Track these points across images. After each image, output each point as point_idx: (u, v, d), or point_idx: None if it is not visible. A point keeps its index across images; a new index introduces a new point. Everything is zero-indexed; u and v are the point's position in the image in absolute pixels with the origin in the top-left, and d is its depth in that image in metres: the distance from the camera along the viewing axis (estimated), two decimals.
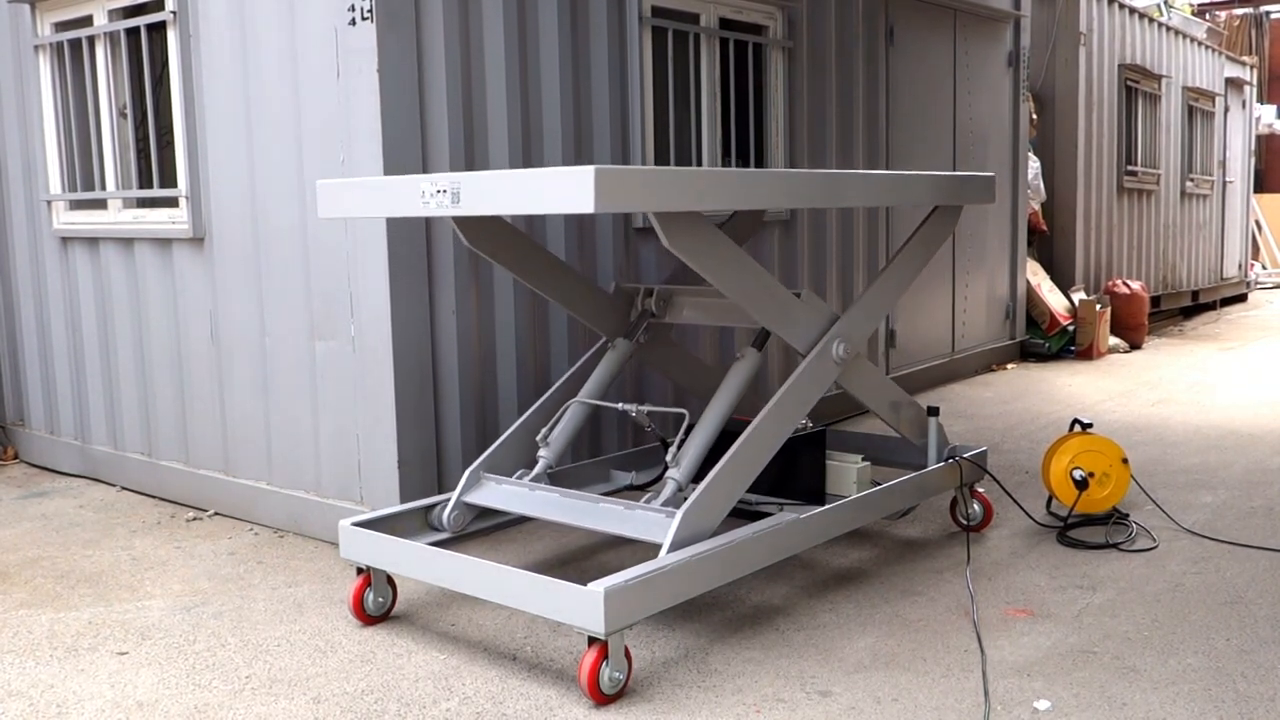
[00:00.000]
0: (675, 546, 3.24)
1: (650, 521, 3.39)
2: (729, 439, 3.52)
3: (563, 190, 2.79)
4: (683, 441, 3.61)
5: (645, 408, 3.76)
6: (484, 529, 3.99)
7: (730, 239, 3.43)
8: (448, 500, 3.83)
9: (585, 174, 2.73)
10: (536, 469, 3.89)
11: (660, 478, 3.95)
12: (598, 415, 5.03)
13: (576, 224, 4.89)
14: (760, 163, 6.06)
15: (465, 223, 3.63)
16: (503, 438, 3.95)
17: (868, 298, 3.94)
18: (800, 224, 6.32)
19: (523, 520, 4.10)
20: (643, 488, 4.14)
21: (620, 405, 3.79)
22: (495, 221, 3.74)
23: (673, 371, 4.42)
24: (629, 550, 4.29)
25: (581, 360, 4.16)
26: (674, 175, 2.98)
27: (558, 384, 4.10)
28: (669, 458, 3.58)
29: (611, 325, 4.17)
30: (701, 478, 3.48)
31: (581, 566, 4.14)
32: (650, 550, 4.22)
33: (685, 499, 3.38)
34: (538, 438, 3.93)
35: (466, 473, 3.85)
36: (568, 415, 3.97)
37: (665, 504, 3.47)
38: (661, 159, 5.53)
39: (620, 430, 5.17)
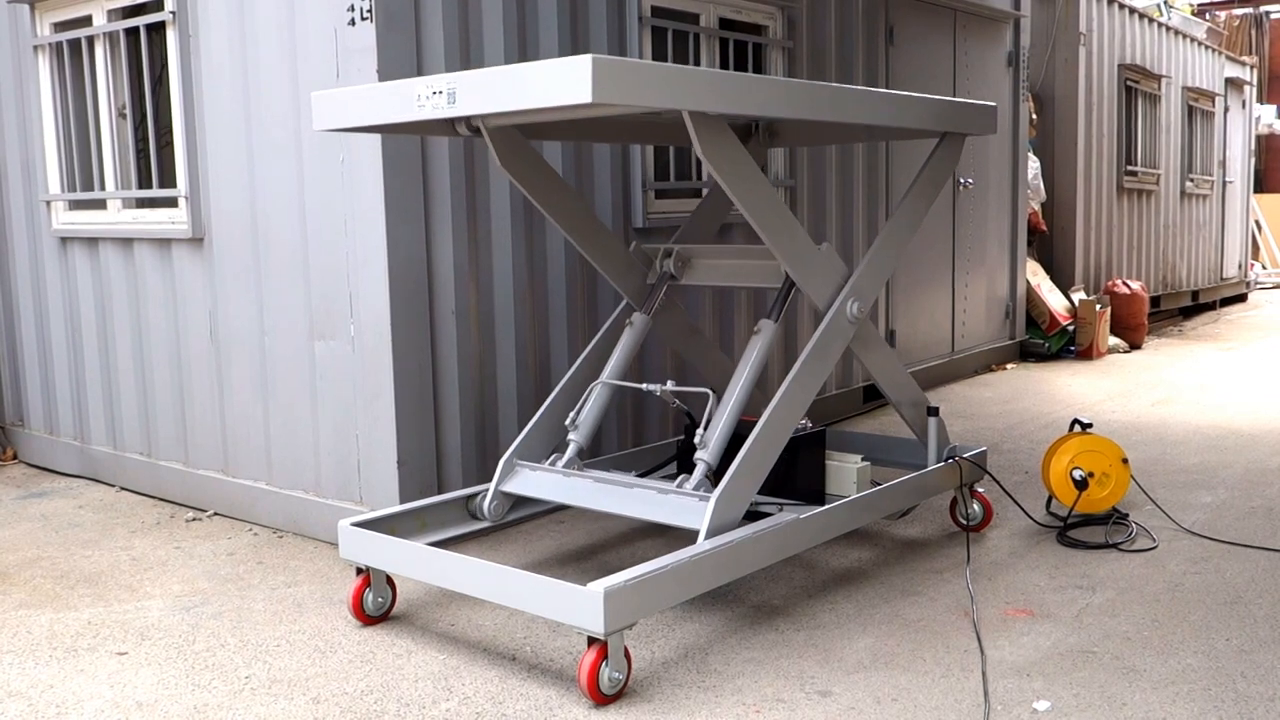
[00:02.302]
0: (712, 533, 3.30)
1: (686, 508, 3.43)
2: (738, 441, 3.54)
3: (559, 81, 2.78)
4: (709, 422, 3.63)
5: (670, 387, 3.76)
6: (519, 519, 4.08)
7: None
8: (486, 490, 3.91)
9: (582, 62, 2.73)
10: (568, 453, 3.91)
11: (673, 461, 3.99)
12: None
13: None
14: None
15: (499, 143, 3.62)
16: (531, 423, 3.98)
17: (876, 250, 3.95)
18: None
19: (561, 508, 4.22)
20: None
21: (645, 386, 3.81)
22: (527, 149, 3.74)
23: (681, 344, 4.43)
24: (629, 549, 4.29)
25: (599, 335, 4.16)
26: (673, 71, 2.96)
27: (577, 363, 4.11)
28: (697, 440, 3.60)
29: (632, 286, 4.18)
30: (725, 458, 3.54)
31: (582, 566, 4.14)
32: (647, 549, 4.23)
33: (715, 480, 3.45)
34: (566, 421, 3.96)
35: (502, 461, 3.91)
36: (594, 396, 3.98)
37: (697, 487, 3.50)
38: (661, 158, 5.53)
39: (619, 430, 5.17)
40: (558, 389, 4.05)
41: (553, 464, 3.88)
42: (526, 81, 2.86)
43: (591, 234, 4.02)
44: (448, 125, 3.66)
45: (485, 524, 3.96)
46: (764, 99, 3.23)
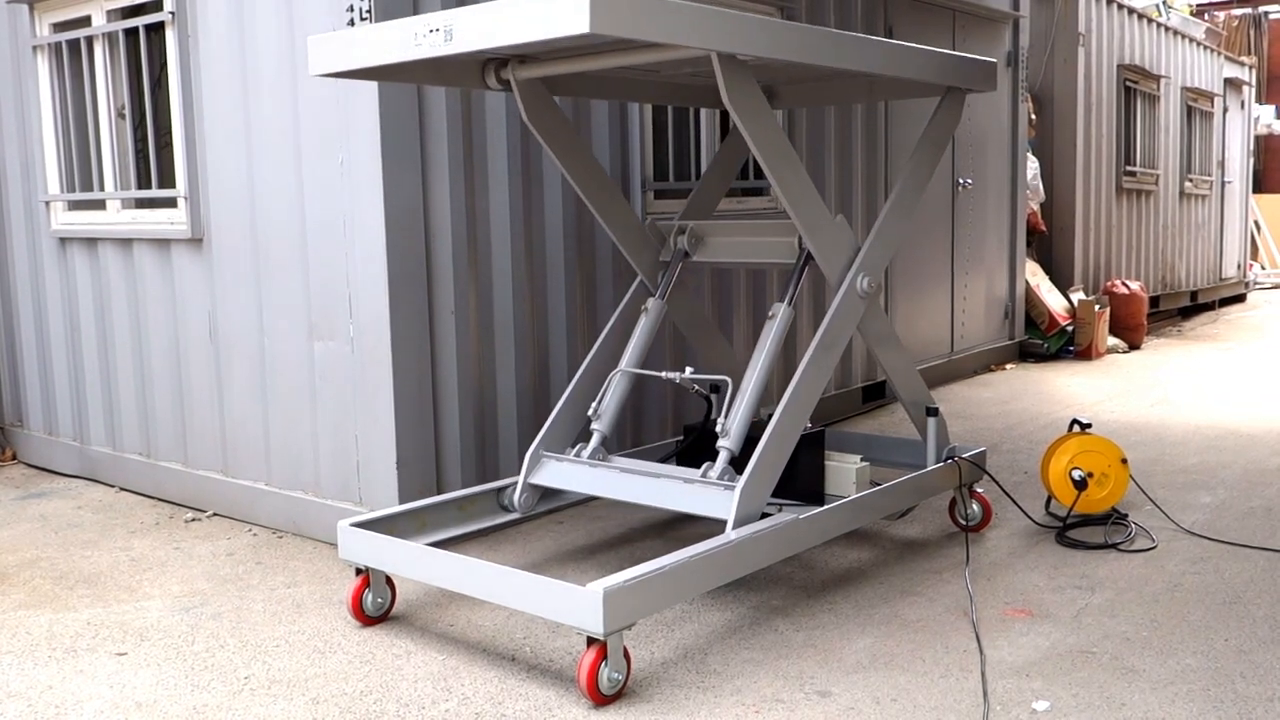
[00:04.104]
0: (739, 522, 3.36)
1: (712, 498, 3.47)
2: (750, 444, 3.55)
3: (556, 12, 2.78)
4: (729, 410, 3.64)
5: (689, 374, 3.77)
6: (544, 511, 4.16)
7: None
8: (514, 484, 3.96)
9: None
10: (593, 443, 3.94)
11: (672, 458, 4.00)
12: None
13: (575, 228, 4.88)
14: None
15: (526, 97, 3.64)
16: (554, 414, 4.01)
17: (883, 222, 3.96)
18: None
19: (576, 503, 4.30)
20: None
21: (664, 374, 3.82)
22: (553, 106, 3.77)
23: (689, 328, 4.46)
24: (628, 550, 4.29)
25: (613, 319, 4.17)
26: (672, 5, 2.96)
27: (594, 350, 4.12)
28: (719, 427, 3.61)
29: (646, 263, 4.19)
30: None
31: (581, 566, 4.14)
32: (646, 549, 4.23)
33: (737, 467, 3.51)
34: (589, 411, 3.98)
35: (529, 453, 3.95)
36: (614, 385, 4.00)
37: (720, 476, 3.52)
38: (660, 156, 5.53)
39: (619, 430, 5.17)
40: (576, 378, 4.07)
41: (577, 454, 3.90)
42: (524, 14, 2.86)
43: (609, 201, 4.03)
44: (478, 78, 3.69)
45: (485, 523, 3.97)
46: (768, 40, 3.23)
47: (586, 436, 3.98)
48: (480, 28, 2.97)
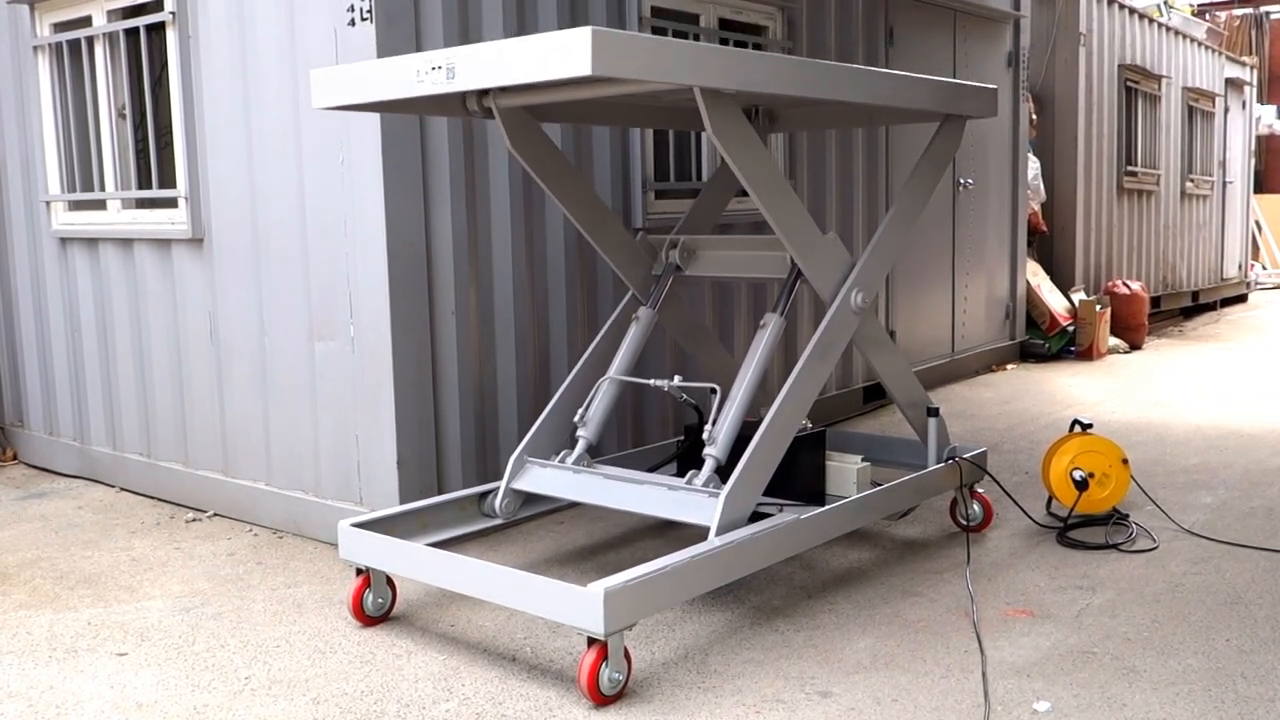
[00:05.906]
0: (722, 529, 3.33)
1: (696, 504, 3.46)
2: (741, 440, 3.54)
3: (559, 54, 2.78)
4: (716, 418, 3.63)
5: (678, 382, 3.76)
6: (529, 516, 4.14)
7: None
8: (497, 489, 3.93)
9: (582, 34, 2.74)
10: (577, 450, 3.93)
11: (673, 460, 4.00)
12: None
13: (577, 238, 4.87)
14: None
15: (510, 124, 3.63)
16: (540, 420, 4.00)
17: (879, 240, 3.95)
18: None
19: (571, 506, 4.29)
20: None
21: (653, 381, 3.81)
22: (538, 132, 3.76)
23: (684, 338, 4.45)
24: (629, 550, 4.29)
25: (604, 330, 4.17)
26: (672, 45, 2.97)
27: (584, 358, 4.12)
28: (705, 435, 3.61)
29: (637, 277, 4.19)
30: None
31: (581, 566, 4.14)
32: (646, 549, 4.23)
33: (723, 476, 3.48)
34: (575, 418, 3.97)
35: (512, 458, 3.93)
36: (602, 392, 3.99)
37: (706, 483, 3.51)
38: (661, 159, 5.53)
39: (620, 430, 5.17)
40: (565, 385, 4.06)
41: (562, 461, 3.89)
42: (526, 55, 2.86)
43: (598, 221, 4.02)
44: (460, 106, 3.68)
45: (486, 523, 3.97)
46: (766, 75, 3.23)
47: (573, 443, 3.97)
48: (482, 67, 2.97)
